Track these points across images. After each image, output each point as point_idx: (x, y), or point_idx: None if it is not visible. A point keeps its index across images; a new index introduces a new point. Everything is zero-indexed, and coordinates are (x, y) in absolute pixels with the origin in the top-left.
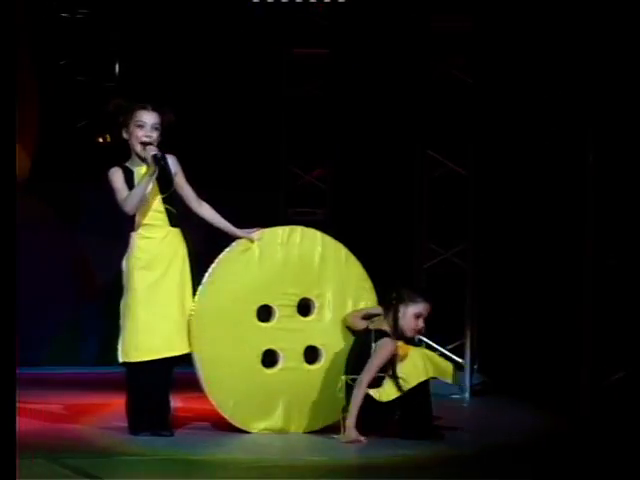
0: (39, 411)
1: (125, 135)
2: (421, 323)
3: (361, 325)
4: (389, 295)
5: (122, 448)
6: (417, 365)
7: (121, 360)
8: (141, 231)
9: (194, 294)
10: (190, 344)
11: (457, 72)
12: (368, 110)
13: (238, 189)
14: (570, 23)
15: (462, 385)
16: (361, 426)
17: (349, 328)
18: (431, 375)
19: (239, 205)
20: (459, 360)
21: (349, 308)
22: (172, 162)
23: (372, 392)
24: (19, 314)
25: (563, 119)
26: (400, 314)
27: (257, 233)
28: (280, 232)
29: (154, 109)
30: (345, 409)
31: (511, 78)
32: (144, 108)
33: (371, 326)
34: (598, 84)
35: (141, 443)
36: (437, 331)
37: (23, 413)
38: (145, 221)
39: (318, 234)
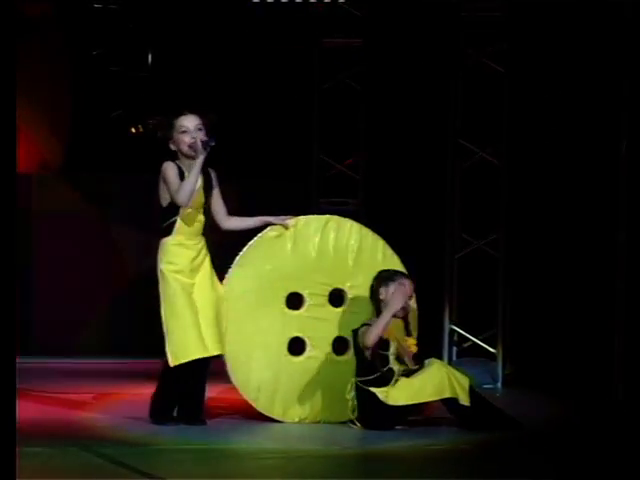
0: (72, 401)
1: (173, 147)
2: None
3: None
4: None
5: (155, 438)
6: (427, 385)
7: (172, 364)
8: (178, 237)
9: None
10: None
11: (489, 61)
12: (400, 99)
13: (270, 179)
14: (603, 10)
15: (494, 375)
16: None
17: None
18: (440, 397)
19: (271, 195)
20: (491, 350)
21: None
22: (212, 176)
23: (379, 392)
24: (51, 304)
25: (596, 108)
26: (387, 296)
27: (291, 220)
28: (316, 221)
29: (192, 112)
30: (354, 410)
31: (543, 66)
32: (182, 114)
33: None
34: (632, 72)
35: (173, 433)
36: (469, 321)
37: (55, 403)
38: (186, 229)
39: (356, 225)
